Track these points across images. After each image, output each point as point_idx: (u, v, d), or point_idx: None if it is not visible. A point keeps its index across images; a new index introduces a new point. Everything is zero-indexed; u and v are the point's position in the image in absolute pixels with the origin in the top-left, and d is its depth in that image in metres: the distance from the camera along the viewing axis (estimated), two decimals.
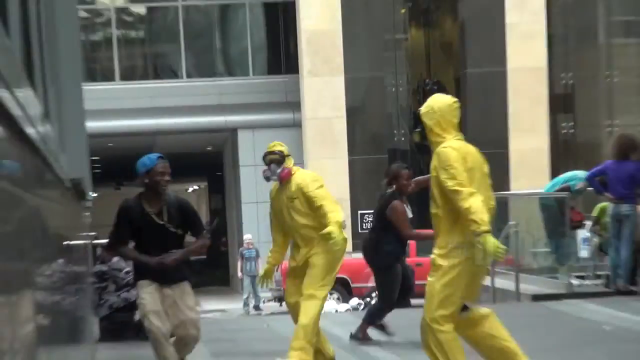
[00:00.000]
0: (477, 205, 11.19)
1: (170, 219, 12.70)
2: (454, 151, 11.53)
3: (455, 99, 12.08)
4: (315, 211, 14.53)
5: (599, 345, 16.22)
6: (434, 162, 11.68)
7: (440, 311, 11.28)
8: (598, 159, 32.35)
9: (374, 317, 17.07)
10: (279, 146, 15.33)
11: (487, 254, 11.15)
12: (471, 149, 11.75)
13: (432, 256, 11.67)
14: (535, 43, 45.65)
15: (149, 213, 12.58)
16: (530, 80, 45.43)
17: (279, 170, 14.91)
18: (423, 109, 11.88)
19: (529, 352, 15.81)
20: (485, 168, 11.88)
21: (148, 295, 12.40)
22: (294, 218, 14.70)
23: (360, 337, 16.84)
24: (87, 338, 12.51)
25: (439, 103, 11.86)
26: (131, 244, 13.19)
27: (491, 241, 11.07)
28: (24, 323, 4.24)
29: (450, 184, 11.45)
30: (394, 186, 16.69)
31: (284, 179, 14.86)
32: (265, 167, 15.05)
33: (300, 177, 14.95)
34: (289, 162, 15.18)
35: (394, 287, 16.67)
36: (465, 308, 11.49)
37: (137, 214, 12.60)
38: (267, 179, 15.15)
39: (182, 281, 12.75)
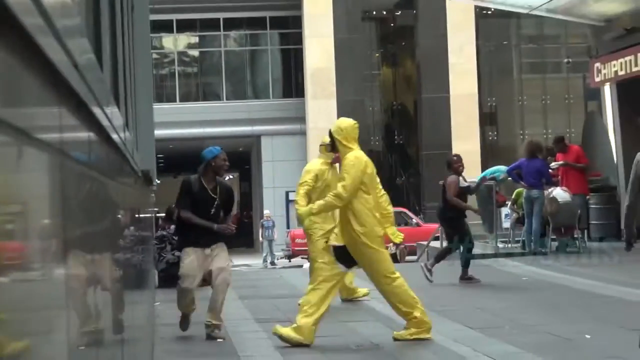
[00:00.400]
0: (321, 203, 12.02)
1: (220, 196, 12.33)
2: (357, 159, 11.62)
3: (355, 122, 12.27)
4: None
5: (520, 291, 16.10)
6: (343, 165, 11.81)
7: (389, 267, 11.51)
8: (514, 158, 32.18)
9: (468, 260, 17.40)
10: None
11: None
12: (368, 159, 11.90)
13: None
14: (469, 77, 46.12)
15: (207, 189, 12.22)
16: (466, 103, 45.75)
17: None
18: (333, 129, 11.98)
19: (471, 296, 15.70)
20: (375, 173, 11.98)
21: (188, 262, 12.04)
22: None
23: (467, 278, 17.25)
24: (150, 285, 12.44)
25: (345, 124, 12.10)
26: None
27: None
28: (110, 269, 4.26)
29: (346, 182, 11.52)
30: (451, 170, 17.80)
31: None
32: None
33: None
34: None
35: (467, 233, 17.40)
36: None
37: (197, 188, 12.21)
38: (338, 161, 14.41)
39: (218, 242, 12.27)
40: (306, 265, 31.29)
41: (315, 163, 15.32)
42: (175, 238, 18.87)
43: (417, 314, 11.23)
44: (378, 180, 12.13)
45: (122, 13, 7.78)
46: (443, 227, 18.77)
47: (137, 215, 7.83)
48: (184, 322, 12.34)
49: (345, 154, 11.69)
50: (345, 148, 11.70)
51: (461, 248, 17.37)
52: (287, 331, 11.04)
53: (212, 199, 12.23)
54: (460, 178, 17.63)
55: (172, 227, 18.76)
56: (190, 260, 12.02)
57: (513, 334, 11.63)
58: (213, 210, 12.22)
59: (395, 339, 11.17)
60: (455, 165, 17.75)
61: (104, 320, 3.78)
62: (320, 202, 12.02)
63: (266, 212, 44.23)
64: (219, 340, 11.72)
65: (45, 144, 2.12)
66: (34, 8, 1.77)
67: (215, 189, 12.31)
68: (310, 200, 14.00)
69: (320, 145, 15.48)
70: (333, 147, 12.15)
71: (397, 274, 11.45)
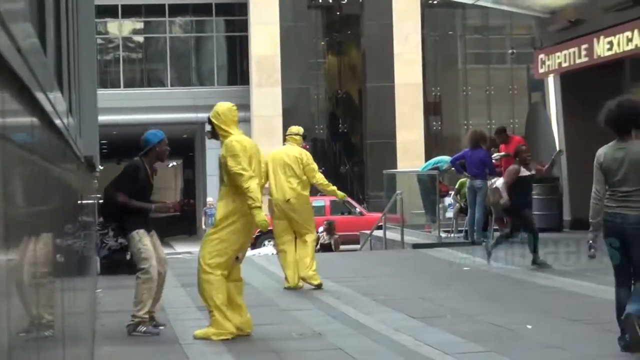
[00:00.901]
0: (254, 186, 11.14)
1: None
2: (238, 143, 11.38)
3: (233, 105, 11.99)
4: None
5: (462, 281, 16.17)
6: (222, 151, 11.50)
7: (215, 259, 11.05)
8: (458, 147, 32.34)
9: (536, 246, 17.11)
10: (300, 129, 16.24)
11: (257, 223, 11.20)
12: (250, 142, 11.81)
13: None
14: (414, 67, 46.24)
15: (149, 174, 11.66)
16: (410, 92, 45.89)
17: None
18: (212, 114, 11.70)
19: (411, 285, 15.76)
20: (261, 157, 11.91)
21: (149, 243, 11.39)
22: None
23: (540, 263, 16.99)
24: (92, 271, 12.39)
25: (222, 108, 11.72)
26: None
27: (260, 214, 11.12)
28: (52, 255, 4.23)
29: (235, 168, 11.33)
30: (518, 159, 17.59)
31: None
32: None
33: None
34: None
35: (530, 220, 17.45)
36: (237, 258, 11.35)
37: (143, 174, 11.54)
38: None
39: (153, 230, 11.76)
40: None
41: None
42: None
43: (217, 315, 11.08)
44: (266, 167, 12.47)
45: None
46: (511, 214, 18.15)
47: (79, 201, 7.78)
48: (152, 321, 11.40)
49: (226, 139, 11.48)
50: (226, 133, 11.49)
51: (525, 235, 17.33)
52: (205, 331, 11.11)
53: (152, 186, 11.89)
54: (523, 168, 17.31)
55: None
56: (149, 240, 11.47)
57: (455, 323, 11.69)
58: (150, 197, 11.90)
59: (195, 337, 11.06)
60: (523, 155, 17.55)
61: (44, 306, 3.76)
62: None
63: (209, 199, 44.29)
64: (143, 332, 11.11)
65: None
66: None
67: (153, 174, 11.89)
68: None
69: (297, 135, 15.91)
70: (214, 134, 11.77)
71: (218, 272, 11.11)
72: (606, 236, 9.77)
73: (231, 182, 11.37)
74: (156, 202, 12.11)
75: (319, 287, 14.86)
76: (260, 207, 11.17)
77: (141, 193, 11.57)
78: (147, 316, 11.19)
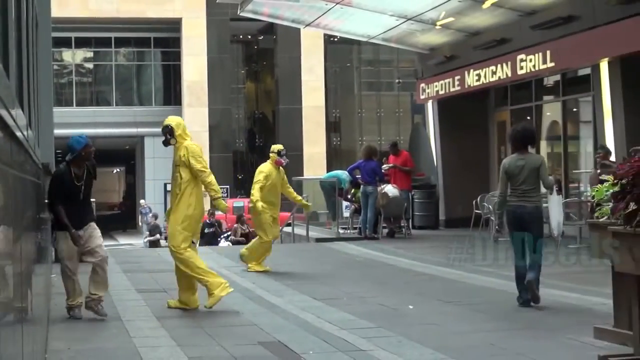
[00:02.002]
0: (214, 181, 11.55)
1: (87, 179, 10.99)
2: (198, 147, 11.71)
3: (182, 119, 12.21)
4: None
5: (355, 268, 16.19)
6: (181, 153, 11.48)
7: (183, 244, 11.29)
8: (354, 159, 32.45)
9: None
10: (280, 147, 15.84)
11: (221, 209, 12.26)
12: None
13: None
14: (318, 92, 46.55)
15: (74, 178, 10.80)
16: (315, 113, 46.12)
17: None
18: (173, 124, 11.63)
19: (315, 272, 15.75)
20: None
21: (65, 245, 10.77)
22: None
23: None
24: (47, 259, 12.23)
25: (179, 120, 11.95)
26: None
27: (222, 203, 11.88)
28: (16, 244, 4.10)
29: (199, 166, 11.41)
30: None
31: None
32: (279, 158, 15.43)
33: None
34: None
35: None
36: (193, 242, 11.57)
37: (68, 180, 10.79)
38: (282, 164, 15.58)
39: (89, 223, 10.93)
40: None
41: (266, 165, 15.59)
42: None
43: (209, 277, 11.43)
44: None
45: (28, 30, 7.63)
46: None
47: (37, 200, 7.68)
48: (75, 309, 10.98)
49: (182, 144, 11.51)
50: (182, 140, 11.52)
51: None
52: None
53: (79, 187, 10.91)
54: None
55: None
56: (67, 242, 10.74)
57: (350, 304, 11.71)
58: (82, 196, 10.95)
59: (210, 306, 11.23)
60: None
61: (9, 289, 3.70)
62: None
63: (142, 201, 44.52)
64: (102, 317, 10.73)
65: None
66: None
67: (83, 173, 10.97)
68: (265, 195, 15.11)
69: (272, 152, 15.70)
70: (169, 142, 11.62)
71: (187, 249, 11.41)
72: (510, 224, 11.36)
73: (189, 179, 11.42)
74: (74, 233, 10.70)
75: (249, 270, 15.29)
76: (221, 197, 11.76)
77: (70, 195, 10.79)
78: (71, 302, 10.99)
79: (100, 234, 11.10)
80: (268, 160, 15.66)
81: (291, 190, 16.31)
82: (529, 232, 11.01)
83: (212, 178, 11.55)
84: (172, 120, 11.79)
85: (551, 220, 13.80)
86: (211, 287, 11.27)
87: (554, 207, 11.44)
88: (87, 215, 11.06)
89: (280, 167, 15.64)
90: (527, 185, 11.07)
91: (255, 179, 15.38)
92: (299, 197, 17.07)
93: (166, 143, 11.70)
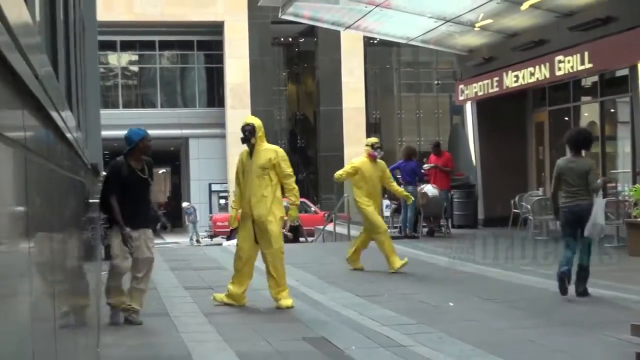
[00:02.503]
0: (296, 186, 11.55)
1: (149, 174, 10.51)
2: (283, 150, 11.72)
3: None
4: None
5: None
6: (272, 155, 11.34)
7: (280, 243, 11.36)
8: (393, 160, 32.37)
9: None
10: (376, 139, 15.51)
11: (293, 217, 12.19)
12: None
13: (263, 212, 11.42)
14: (358, 94, 46.50)
15: (135, 170, 10.34)
16: (355, 115, 46.07)
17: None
18: (256, 124, 11.42)
19: (358, 272, 15.74)
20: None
21: (117, 242, 10.13)
22: None
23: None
24: (97, 256, 12.29)
25: (259, 122, 11.60)
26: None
27: (296, 211, 11.76)
28: (68, 243, 4.16)
29: (289, 171, 11.39)
30: None
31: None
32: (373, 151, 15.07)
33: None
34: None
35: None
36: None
37: (126, 172, 10.31)
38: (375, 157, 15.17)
39: (147, 227, 10.42)
40: (225, 242, 31.06)
41: (360, 158, 15.44)
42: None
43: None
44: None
45: (75, 34, 7.70)
46: None
47: (87, 200, 7.75)
48: (115, 315, 10.44)
49: (260, 146, 11.37)
50: (261, 141, 11.38)
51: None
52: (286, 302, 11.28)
53: (144, 180, 10.45)
54: None
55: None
56: (119, 239, 10.21)
57: (391, 301, 11.70)
58: (138, 191, 10.40)
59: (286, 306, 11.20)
60: None
61: (66, 283, 3.74)
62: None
63: (185, 204, 44.72)
64: (137, 324, 10.14)
65: (12, 140, 2.09)
66: (3, 29, 1.74)
67: (144, 168, 10.49)
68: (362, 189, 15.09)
69: (366, 145, 15.50)
70: (249, 140, 11.34)
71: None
72: (566, 222, 11.64)
73: (277, 182, 11.35)
74: (125, 233, 10.16)
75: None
76: (299, 204, 11.83)
77: (126, 188, 10.25)
78: (111, 304, 10.39)
79: (152, 244, 10.52)
80: (362, 154, 15.49)
81: (393, 183, 16.01)
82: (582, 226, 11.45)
83: (295, 184, 11.57)
84: (254, 120, 11.60)
85: (591, 221, 13.85)
86: (285, 291, 11.37)
87: (599, 209, 11.72)
88: (144, 216, 10.43)
89: (380, 161, 15.43)
90: (578, 187, 11.51)
91: (342, 169, 15.75)
92: (401, 189, 16.77)
93: (246, 141, 11.40)
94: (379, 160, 15.40)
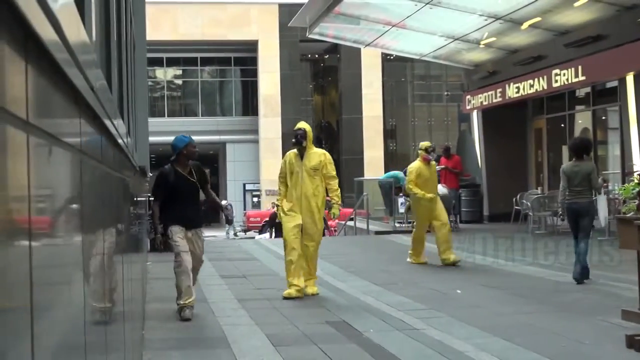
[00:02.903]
0: (339, 188, 11.44)
1: (198, 177, 9.97)
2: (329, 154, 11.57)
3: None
4: None
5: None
6: (322, 158, 11.26)
7: (321, 238, 11.57)
8: (408, 162, 32.28)
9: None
10: (428, 143, 14.90)
11: (336, 215, 11.68)
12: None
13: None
14: (376, 104, 46.31)
15: (183, 175, 9.88)
16: (374, 122, 45.92)
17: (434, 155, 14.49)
18: (307, 129, 11.32)
19: (374, 261, 15.73)
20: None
21: (180, 239, 9.68)
22: None
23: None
24: (144, 248, 12.34)
25: (309, 127, 11.47)
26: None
27: (338, 209, 11.47)
28: (119, 236, 4.17)
29: (334, 173, 11.33)
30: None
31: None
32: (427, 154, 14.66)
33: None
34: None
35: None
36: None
37: (173, 178, 9.86)
38: (430, 160, 14.73)
39: (198, 227, 10.01)
40: (258, 236, 31.08)
41: (415, 163, 14.92)
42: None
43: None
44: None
45: (127, 51, 7.73)
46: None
47: (135, 198, 7.78)
48: (186, 310, 9.59)
49: (315, 150, 11.33)
50: (310, 144, 11.29)
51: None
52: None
53: (191, 183, 9.94)
54: None
55: None
56: (181, 236, 9.73)
57: (405, 288, 11.68)
58: (187, 194, 9.92)
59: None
60: None
61: (115, 272, 3.76)
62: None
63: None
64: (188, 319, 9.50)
65: (70, 145, 2.10)
66: (63, 47, 1.76)
67: (191, 172, 10.01)
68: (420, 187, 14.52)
69: (420, 149, 15.01)
70: (301, 143, 11.19)
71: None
72: (568, 216, 12.02)
73: (321, 179, 11.21)
74: (157, 237, 9.95)
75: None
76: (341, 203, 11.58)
77: (174, 194, 9.83)
78: (182, 302, 9.62)
79: (202, 248, 10.11)
80: (417, 159, 15.09)
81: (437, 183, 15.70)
82: (581, 223, 11.85)
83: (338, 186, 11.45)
84: (305, 125, 11.43)
85: (600, 214, 14.47)
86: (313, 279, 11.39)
87: (602, 204, 12.22)
88: (195, 217, 9.96)
89: (432, 163, 15.06)
90: (581, 187, 11.87)
91: (407, 179, 14.99)
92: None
93: (298, 144, 11.24)
94: (431, 162, 15.10)
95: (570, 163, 12.20)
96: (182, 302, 9.57)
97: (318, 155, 11.30)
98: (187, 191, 9.89)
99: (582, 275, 11.69)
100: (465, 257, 15.47)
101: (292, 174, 11.31)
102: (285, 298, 10.88)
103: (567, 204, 11.97)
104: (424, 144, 15.14)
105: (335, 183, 11.33)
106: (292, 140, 11.37)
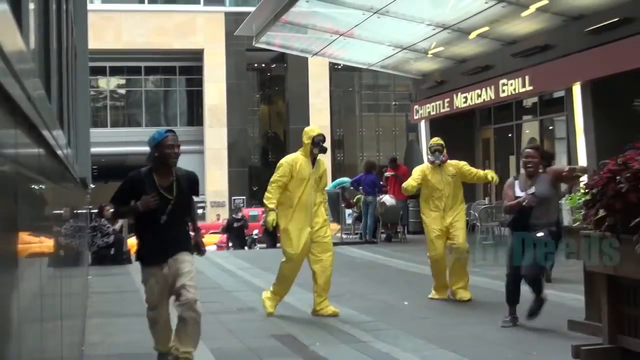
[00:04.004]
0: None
1: (179, 196, 7.18)
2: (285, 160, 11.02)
3: (308, 128, 11.20)
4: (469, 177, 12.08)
5: (356, 269, 16.15)
6: (324, 167, 10.84)
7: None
8: (355, 172, 32.37)
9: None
10: (439, 141, 12.27)
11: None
12: (296, 159, 10.90)
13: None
14: (323, 114, 46.46)
15: (159, 187, 7.13)
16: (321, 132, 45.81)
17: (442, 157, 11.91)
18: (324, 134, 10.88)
19: None
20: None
21: (153, 285, 7.23)
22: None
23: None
24: (85, 262, 12.19)
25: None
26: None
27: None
28: (57, 249, 4.12)
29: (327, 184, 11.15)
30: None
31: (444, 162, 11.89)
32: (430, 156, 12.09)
33: (455, 162, 12.16)
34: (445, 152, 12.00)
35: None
36: None
37: (148, 187, 7.12)
38: (433, 162, 11.87)
39: (176, 253, 7.18)
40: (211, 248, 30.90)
41: (422, 165, 12.55)
42: (104, 228, 18.58)
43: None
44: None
45: (68, 59, 7.67)
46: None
47: (75, 211, 7.69)
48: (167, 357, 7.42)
49: (320, 160, 10.86)
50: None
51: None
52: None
53: (166, 200, 7.17)
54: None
55: (103, 220, 18.50)
56: (155, 281, 7.25)
57: (352, 300, 11.71)
58: (165, 217, 7.13)
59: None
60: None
61: (52, 285, 3.72)
62: None
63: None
64: None
65: (5, 156, 2.09)
66: None
67: (171, 186, 7.21)
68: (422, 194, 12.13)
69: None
70: (325, 150, 10.69)
71: (283, 259, 10.61)
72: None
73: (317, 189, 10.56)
74: (145, 199, 7.10)
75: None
76: None
77: (146, 214, 7.15)
78: (158, 350, 7.58)
79: (189, 266, 7.27)
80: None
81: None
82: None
83: None
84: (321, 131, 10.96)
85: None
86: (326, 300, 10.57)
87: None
88: (176, 245, 7.24)
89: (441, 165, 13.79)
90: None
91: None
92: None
93: (324, 151, 10.65)
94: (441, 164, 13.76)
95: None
96: (157, 348, 7.64)
97: (323, 163, 10.88)
98: (162, 213, 7.19)
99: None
100: (413, 269, 15.55)
101: (298, 179, 10.55)
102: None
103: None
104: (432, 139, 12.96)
105: (326, 195, 11.14)
106: (320, 145, 10.65)
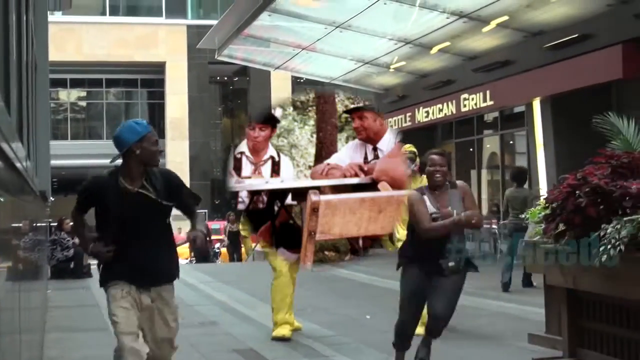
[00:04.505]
0: None
1: (158, 195, 5.75)
2: None
3: None
4: None
5: (319, 283, 16.13)
6: None
7: None
8: None
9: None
10: (411, 148, 10.47)
11: None
12: None
13: None
14: None
15: (127, 192, 5.70)
16: None
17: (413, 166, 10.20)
18: None
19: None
20: None
21: (122, 311, 5.72)
22: None
23: None
24: (44, 276, 12.08)
25: None
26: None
27: None
28: (15, 263, 4.04)
29: None
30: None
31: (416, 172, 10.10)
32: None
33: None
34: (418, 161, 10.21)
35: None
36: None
37: (112, 193, 5.72)
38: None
39: (165, 282, 5.87)
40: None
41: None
42: (64, 241, 18.40)
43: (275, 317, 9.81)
44: None
45: (28, 71, 7.61)
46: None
47: (34, 224, 7.63)
48: None
49: None
50: None
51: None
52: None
53: (150, 203, 5.74)
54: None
55: (62, 233, 18.34)
56: (124, 305, 5.74)
57: (314, 314, 11.69)
58: (138, 226, 5.70)
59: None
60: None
61: (10, 299, 3.68)
62: None
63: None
64: None
65: None
66: None
67: (146, 190, 5.79)
68: None
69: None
70: None
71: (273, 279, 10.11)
72: (512, 232, 13.63)
73: None
74: (95, 247, 5.75)
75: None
76: None
77: (116, 224, 5.70)
78: None
79: (174, 310, 6.07)
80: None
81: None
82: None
83: None
84: None
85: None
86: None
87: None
88: (156, 266, 5.80)
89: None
90: (520, 211, 12.35)
91: None
92: None
93: None
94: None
95: (512, 189, 14.29)
96: None
97: None
98: (139, 218, 5.74)
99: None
100: (376, 283, 15.57)
101: None
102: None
103: (513, 224, 13.51)
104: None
105: None
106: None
